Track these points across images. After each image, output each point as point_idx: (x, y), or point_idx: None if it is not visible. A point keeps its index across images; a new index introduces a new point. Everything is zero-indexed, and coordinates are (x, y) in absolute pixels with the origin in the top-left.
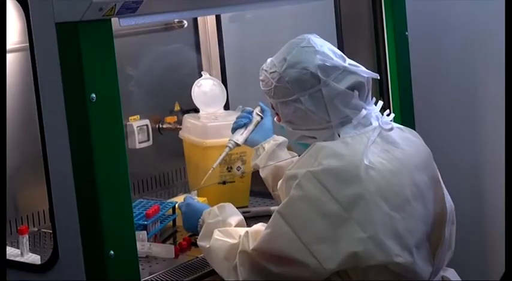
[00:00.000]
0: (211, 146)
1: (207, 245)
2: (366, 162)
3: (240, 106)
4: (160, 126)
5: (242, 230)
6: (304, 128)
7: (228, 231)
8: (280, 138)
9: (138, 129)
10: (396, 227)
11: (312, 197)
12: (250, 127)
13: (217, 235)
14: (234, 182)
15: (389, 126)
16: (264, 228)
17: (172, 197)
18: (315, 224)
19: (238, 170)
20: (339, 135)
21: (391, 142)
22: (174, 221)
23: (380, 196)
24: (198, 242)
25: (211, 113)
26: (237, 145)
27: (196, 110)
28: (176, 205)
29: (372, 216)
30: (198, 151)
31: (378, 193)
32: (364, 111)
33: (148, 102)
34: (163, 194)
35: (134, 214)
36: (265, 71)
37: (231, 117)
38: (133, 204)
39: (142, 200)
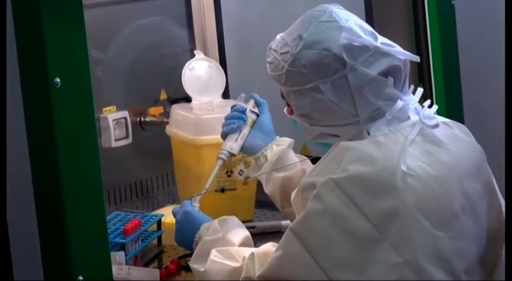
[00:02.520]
0: (206, 145)
1: (202, 269)
2: (402, 167)
3: (243, 95)
4: (143, 119)
5: (247, 251)
6: (324, 124)
7: (229, 251)
8: (285, 141)
9: (114, 123)
10: (441, 249)
11: (335, 211)
12: (245, 130)
13: (215, 255)
14: (235, 189)
15: (433, 122)
16: (273, 249)
17: (157, 208)
18: (338, 245)
19: (241, 175)
20: (369, 133)
21: (434, 142)
22: (159, 238)
23: (420, 210)
24: (190, 265)
25: (206, 103)
26: (232, 155)
27: (188, 99)
28: (171, 211)
29: (410, 236)
30: (190, 150)
31: (417, 206)
32: (400, 103)
33: (127, 89)
34: (146, 205)
35: (109, 230)
36: (274, 51)
37: None
38: (108, 218)
39: (119, 212)
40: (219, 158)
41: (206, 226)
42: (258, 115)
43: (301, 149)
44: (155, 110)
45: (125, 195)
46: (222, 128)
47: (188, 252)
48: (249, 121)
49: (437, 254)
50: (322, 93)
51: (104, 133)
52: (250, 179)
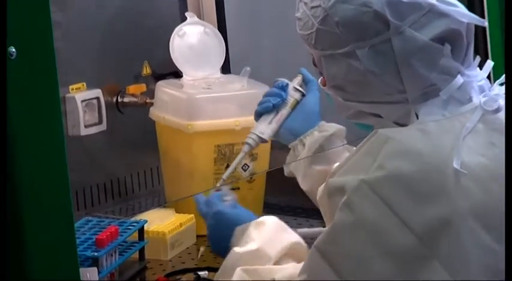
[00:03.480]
0: (201, 132)
1: None
2: (455, 165)
3: (247, 68)
4: (120, 100)
5: (280, 272)
6: (363, 100)
7: (258, 272)
8: (331, 127)
9: (83, 105)
10: (502, 267)
11: (369, 223)
12: (284, 111)
13: (239, 277)
14: (238, 189)
15: (494, 105)
16: (297, 272)
17: (139, 213)
18: (376, 266)
19: (245, 170)
20: (417, 117)
21: (499, 129)
22: (141, 251)
23: (478, 219)
24: None
25: (201, 79)
26: (263, 140)
27: (177, 75)
28: (197, 209)
29: (466, 251)
30: (180, 139)
31: (474, 214)
32: (460, 79)
33: (101, 62)
34: (125, 209)
35: (78, 241)
36: (304, 3)
37: (233, 85)
38: (76, 225)
39: (90, 218)
40: (246, 143)
41: (241, 230)
42: (303, 95)
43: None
44: (136, 89)
45: (97, 196)
46: (257, 108)
47: (179, 269)
48: (291, 101)
49: (498, 272)
50: (360, 60)
51: (70, 118)
52: (258, 175)
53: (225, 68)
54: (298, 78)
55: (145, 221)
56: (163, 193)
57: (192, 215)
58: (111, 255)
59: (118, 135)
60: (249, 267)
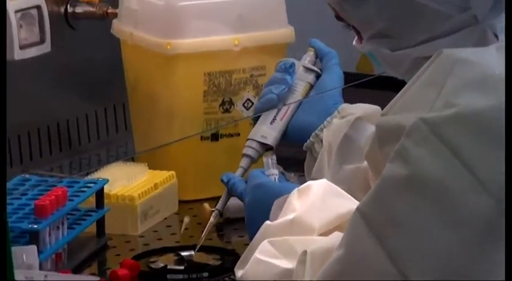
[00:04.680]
0: (186, 55)
1: (239, 274)
2: None
3: None
4: (70, 10)
5: (320, 243)
6: (416, 41)
7: (288, 243)
8: (359, 108)
9: (18, 17)
10: None
11: (430, 179)
12: (292, 100)
13: (262, 251)
14: (238, 135)
15: None
16: (334, 246)
17: (96, 170)
18: (436, 239)
19: (247, 108)
20: (497, 37)
21: None
22: (100, 223)
23: None
24: (236, 270)
25: None
26: (266, 147)
27: None
28: (229, 187)
29: None
30: (156, 64)
31: None
32: None
33: None
34: (77, 163)
35: (10, 208)
36: None
37: None
38: (9, 186)
39: (28, 176)
40: (244, 155)
41: (280, 202)
42: (318, 75)
43: (357, 64)
44: None
45: (38, 147)
46: (258, 102)
47: (155, 248)
48: (301, 87)
49: None
50: None
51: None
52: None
53: None
54: (310, 54)
55: (106, 181)
56: (131, 141)
57: (173, 172)
58: (57, 228)
59: (67, 59)
60: (277, 238)
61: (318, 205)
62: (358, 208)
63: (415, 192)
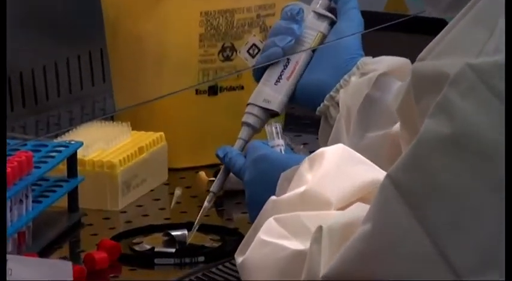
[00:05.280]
0: None
1: (240, 259)
2: None
3: None
4: None
5: (339, 218)
6: None
7: (299, 219)
8: (384, 61)
9: None
10: None
11: (478, 138)
12: (298, 56)
13: (267, 230)
14: (242, 88)
15: None
16: (360, 218)
17: (67, 130)
18: (488, 212)
19: (253, 56)
20: None
21: None
22: (73, 196)
23: None
24: (236, 256)
25: None
26: (271, 113)
27: None
28: (218, 153)
29: None
30: (142, 1)
31: None
32: None
33: None
34: (43, 122)
35: None
36: None
37: None
38: None
39: None
40: (243, 123)
41: (288, 174)
42: (333, 22)
43: (387, 2)
44: None
45: None
46: (258, 59)
47: (139, 226)
48: (312, 37)
49: None
50: None
51: None
52: None
53: None
54: None
55: (80, 144)
56: (110, 96)
57: (161, 133)
58: (20, 202)
59: None
60: (286, 215)
61: (334, 173)
62: (388, 175)
63: (460, 153)
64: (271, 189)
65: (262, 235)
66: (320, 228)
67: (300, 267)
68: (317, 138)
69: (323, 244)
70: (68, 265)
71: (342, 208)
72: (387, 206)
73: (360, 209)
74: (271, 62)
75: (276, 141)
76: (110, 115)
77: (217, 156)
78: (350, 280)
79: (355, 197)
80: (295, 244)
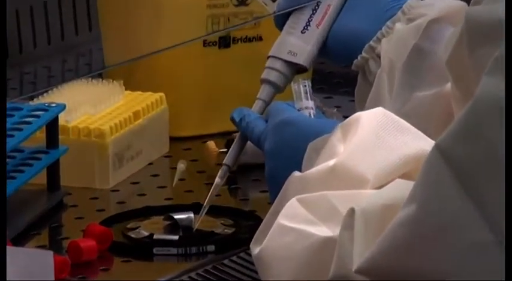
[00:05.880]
0: None
1: (256, 250)
2: None
3: None
4: None
5: (374, 198)
6: None
7: (328, 200)
8: (433, 7)
9: None
10: None
11: None
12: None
13: (289, 213)
14: (261, 39)
15: None
16: (403, 198)
17: (46, 90)
18: None
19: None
20: None
21: None
22: (54, 170)
23: None
24: (252, 246)
25: None
26: (298, 68)
27: None
28: (234, 116)
29: None
30: None
31: None
32: None
33: None
34: (16, 80)
35: None
36: None
37: None
38: None
39: None
40: (263, 80)
41: (316, 145)
42: None
43: None
44: None
45: None
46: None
47: (135, 208)
48: None
49: None
50: None
51: None
52: None
53: None
54: None
55: (62, 108)
56: (98, 49)
57: (162, 94)
58: None
59: None
60: (311, 195)
61: (372, 144)
62: (437, 145)
63: None
64: (296, 162)
65: (284, 219)
66: (353, 211)
67: (329, 259)
68: (352, 101)
69: (356, 230)
70: (48, 256)
71: (380, 186)
72: (435, 184)
73: (402, 188)
74: (297, 6)
75: (304, 102)
76: (98, 72)
77: (232, 120)
78: (390, 274)
79: (397, 173)
80: (323, 231)
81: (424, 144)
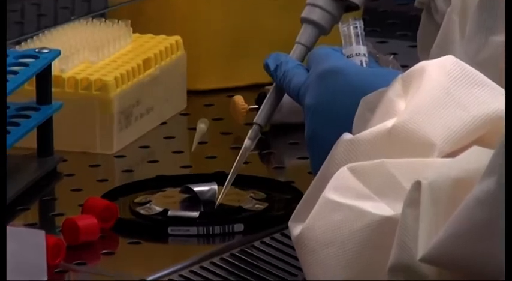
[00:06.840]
0: None
1: (297, 231)
2: None
3: None
4: None
5: (443, 168)
6: None
7: (387, 171)
8: None
9: None
10: None
11: None
12: None
13: (338, 186)
14: None
15: None
16: (475, 173)
17: (37, 34)
18: None
19: None
20: None
21: None
22: (45, 130)
23: None
24: (290, 223)
25: None
26: (346, 5)
27: None
28: (268, 62)
29: None
30: None
31: None
32: None
33: None
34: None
35: None
36: None
37: None
38: None
39: None
40: (303, 19)
41: (369, 101)
42: None
43: None
44: None
45: None
46: None
47: (145, 178)
48: None
49: None
50: None
51: None
52: None
53: None
54: None
55: (57, 54)
56: None
57: (178, 37)
58: None
59: None
60: (367, 162)
61: (440, 101)
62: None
63: None
64: (345, 121)
65: (332, 193)
66: (419, 184)
67: (388, 243)
68: (411, 46)
69: (423, 208)
70: (39, 236)
71: (451, 154)
72: None
73: (479, 157)
74: None
75: (355, 48)
76: (99, 12)
77: (266, 68)
78: (463, 263)
79: (471, 137)
80: (381, 208)
81: (503, 102)
